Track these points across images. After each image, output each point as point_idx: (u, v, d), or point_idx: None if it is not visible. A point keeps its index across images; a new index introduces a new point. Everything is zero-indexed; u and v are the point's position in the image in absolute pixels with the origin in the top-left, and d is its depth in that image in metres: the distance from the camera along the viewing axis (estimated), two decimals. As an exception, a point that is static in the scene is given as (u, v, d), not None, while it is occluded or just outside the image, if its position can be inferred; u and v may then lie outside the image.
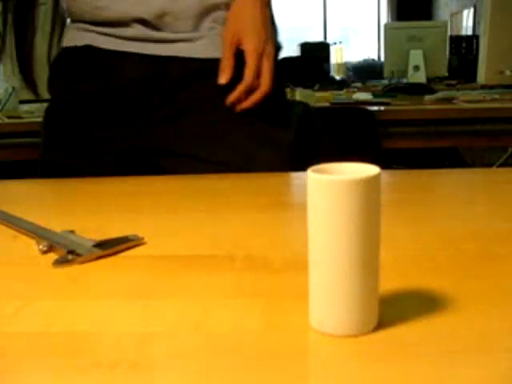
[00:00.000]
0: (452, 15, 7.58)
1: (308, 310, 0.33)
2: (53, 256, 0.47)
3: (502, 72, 2.58)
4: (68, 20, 0.86)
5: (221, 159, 0.79)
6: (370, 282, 0.31)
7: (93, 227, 0.55)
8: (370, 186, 0.30)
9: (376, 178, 0.31)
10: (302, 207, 0.60)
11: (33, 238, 0.51)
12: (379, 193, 0.31)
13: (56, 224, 0.57)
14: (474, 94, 2.45)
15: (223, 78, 0.75)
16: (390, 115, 2.15)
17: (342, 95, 2.60)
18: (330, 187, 0.30)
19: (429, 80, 2.91)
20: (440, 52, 2.94)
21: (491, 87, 2.67)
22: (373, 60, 6.69)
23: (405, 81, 2.87)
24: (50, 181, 0.79)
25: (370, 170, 0.31)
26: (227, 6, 0.79)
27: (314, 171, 0.31)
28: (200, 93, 0.79)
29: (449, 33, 3.26)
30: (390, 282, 0.39)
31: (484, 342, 0.31)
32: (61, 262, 0.45)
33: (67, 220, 0.58)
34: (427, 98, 2.39)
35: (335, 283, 0.31)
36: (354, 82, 3.70)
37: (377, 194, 0.31)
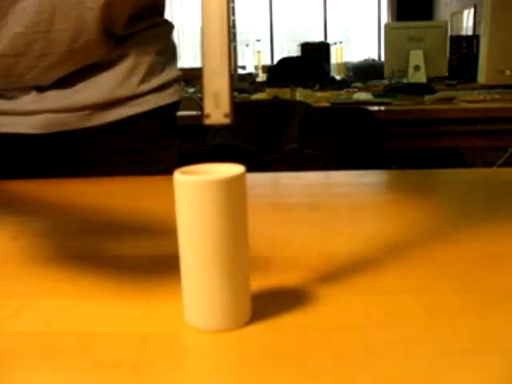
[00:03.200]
0: (452, 15, 7.59)
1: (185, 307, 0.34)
2: (52, 255, 0.47)
3: (502, 72, 2.58)
4: None
5: None
6: (238, 278, 0.33)
7: (94, 227, 0.55)
8: (230, 185, 0.31)
9: (238, 178, 0.32)
10: (303, 207, 0.60)
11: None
12: (244, 192, 0.32)
13: (57, 224, 0.57)
14: (475, 94, 2.46)
15: None
16: (390, 115, 2.16)
17: (342, 95, 2.60)
18: (191, 188, 0.31)
19: (429, 80, 2.91)
20: (440, 52, 2.94)
21: (491, 87, 2.68)
22: (373, 60, 6.70)
23: (405, 81, 2.88)
24: (48, 181, 0.79)
25: (233, 170, 0.33)
26: None
27: (180, 173, 0.32)
28: None
29: (449, 33, 3.26)
30: (390, 281, 0.39)
31: (484, 342, 0.31)
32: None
33: (68, 220, 0.58)
34: (427, 97, 2.39)
35: (203, 280, 0.32)
36: (354, 82, 3.71)
37: (240, 194, 0.32)
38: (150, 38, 0.80)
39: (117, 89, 0.77)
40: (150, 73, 0.79)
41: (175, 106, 0.84)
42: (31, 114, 0.75)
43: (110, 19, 0.72)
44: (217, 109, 0.34)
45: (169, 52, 0.84)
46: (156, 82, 0.80)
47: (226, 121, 0.34)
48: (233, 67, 0.35)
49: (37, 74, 0.72)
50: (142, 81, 0.78)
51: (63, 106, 0.76)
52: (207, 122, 0.34)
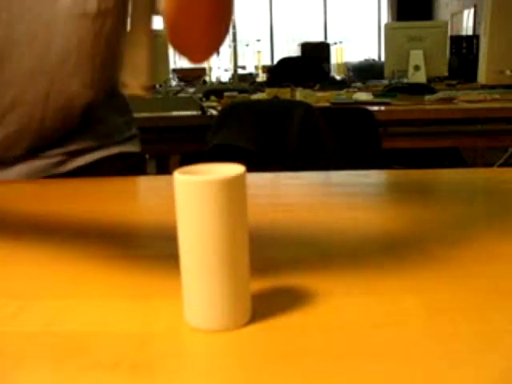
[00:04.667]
0: (452, 15, 7.59)
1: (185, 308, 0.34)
2: (52, 255, 0.47)
3: (502, 72, 2.58)
4: None
5: None
6: (238, 278, 0.33)
7: (95, 227, 0.55)
8: (230, 185, 0.31)
9: (238, 178, 0.32)
10: (303, 207, 0.60)
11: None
12: (244, 192, 0.32)
13: (57, 224, 0.57)
14: (475, 94, 2.45)
15: None
16: (390, 115, 2.16)
17: (342, 95, 2.60)
18: (191, 188, 0.31)
19: (429, 80, 2.91)
20: (440, 52, 2.94)
21: (491, 87, 2.68)
22: (373, 60, 6.70)
23: (405, 81, 2.87)
24: (48, 181, 0.79)
25: (233, 170, 0.33)
26: None
27: (180, 173, 0.32)
28: None
29: (449, 33, 3.26)
30: (390, 281, 0.39)
31: (484, 342, 0.31)
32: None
33: (69, 220, 0.58)
34: (427, 97, 2.39)
35: (203, 280, 0.32)
36: (354, 82, 3.71)
37: (240, 194, 0.32)
38: (113, 105, 0.86)
39: (84, 143, 0.82)
40: (113, 132, 0.86)
41: (138, 156, 0.93)
42: (7, 166, 0.78)
43: (91, 106, 0.77)
44: (135, 79, 0.33)
45: (129, 115, 0.91)
46: (119, 137, 0.86)
47: (144, 93, 0.33)
48: (153, 41, 0.34)
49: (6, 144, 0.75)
50: (107, 136, 0.84)
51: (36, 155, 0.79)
52: (124, 91, 0.34)
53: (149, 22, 0.33)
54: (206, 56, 0.62)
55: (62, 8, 0.64)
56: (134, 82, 0.33)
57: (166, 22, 0.64)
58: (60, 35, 0.63)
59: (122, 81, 0.33)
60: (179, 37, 0.63)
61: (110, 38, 0.66)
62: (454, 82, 3.22)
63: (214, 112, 2.20)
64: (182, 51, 0.65)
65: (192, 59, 0.64)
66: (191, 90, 2.97)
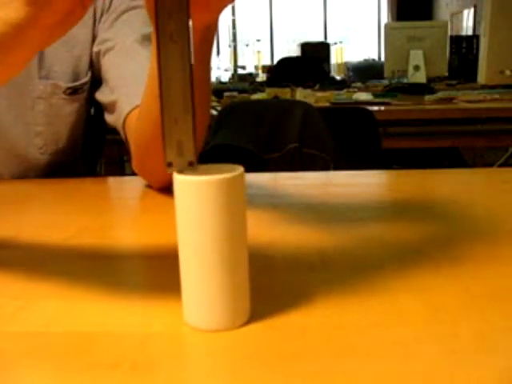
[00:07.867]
0: (452, 15, 7.59)
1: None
2: (51, 255, 0.46)
3: (502, 72, 2.58)
4: None
5: None
6: (237, 278, 0.33)
7: (94, 227, 0.55)
8: (230, 185, 0.31)
9: (237, 178, 0.32)
10: (302, 207, 0.60)
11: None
12: (243, 192, 0.32)
13: (57, 224, 0.57)
14: (475, 94, 2.45)
15: None
16: (390, 115, 2.16)
17: (342, 95, 2.60)
18: (190, 188, 0.31)
19: (429, 80, 2.92)
20: (440, 52, 2.94)
21: (491, 87, 2.68)
22: (373, 60, 6.70)
23: (405, 81, 2.88)
24: (47, 181, 0.79)
25: (232, 170, 0.33)
26: None
27: (180, 172, 0.32)
28: None
29: (449, 33, 3.26)
30: (390, 281, 0.39)
31: (484, 342, 0.31)
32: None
33: (68, 220, 0.58)
34: (427, 97, 2.39)
35: (202, 280, 0.32)
36: (354, 82, 3.71)
37: (240, 194, 0.32)
38: None
39: None
40: None
41: None
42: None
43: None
44: (180, 157, 0.32)
45: None
46: None
47: (191, 169, 0.32)
48: (195, 114, 0.32)
49: None
50: None
51: None
52: (169, 170, 0.32)
53: (190, 96, 0.31)
54: (165, 184, 0.67)
55: (35, 147, 0.84)
56: (179, 160, 0.32)
57: (135, 147, 0.68)
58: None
59: (167, 161, 0.32)
60: (145, 164, 0.68)
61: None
62: (454, 82, 3.22)
63: (214, 112, 2.20)
64: (145, 176, 0.70)
65: (153, 185, 0.70)
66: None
